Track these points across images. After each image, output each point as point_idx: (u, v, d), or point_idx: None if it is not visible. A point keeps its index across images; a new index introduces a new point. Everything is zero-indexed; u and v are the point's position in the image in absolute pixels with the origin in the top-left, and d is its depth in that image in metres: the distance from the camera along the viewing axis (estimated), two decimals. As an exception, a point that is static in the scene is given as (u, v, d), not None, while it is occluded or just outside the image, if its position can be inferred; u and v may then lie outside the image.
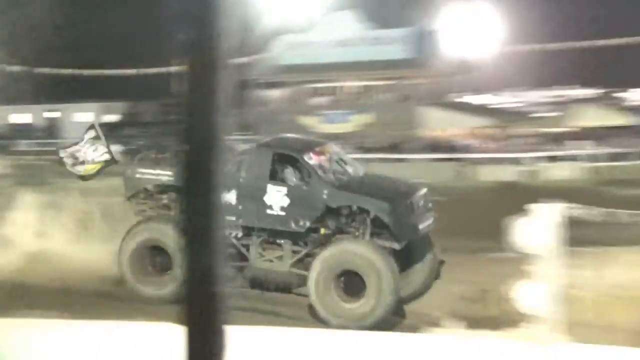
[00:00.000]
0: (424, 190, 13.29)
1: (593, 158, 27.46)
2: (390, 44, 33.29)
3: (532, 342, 8.20)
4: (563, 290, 8.29)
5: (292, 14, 33.80)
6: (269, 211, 12.56)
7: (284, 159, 12.91)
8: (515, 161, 27.61)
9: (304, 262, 12.42)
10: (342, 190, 12.57)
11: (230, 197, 12.33)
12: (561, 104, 35.99)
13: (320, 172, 12.73)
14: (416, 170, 23.78)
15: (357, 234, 12.35)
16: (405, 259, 12.53)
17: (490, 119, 33.02)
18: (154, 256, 12.87)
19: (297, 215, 12.47)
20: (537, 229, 8.47)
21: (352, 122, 33.82)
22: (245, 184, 12.58)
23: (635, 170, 25.33)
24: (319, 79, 35.97)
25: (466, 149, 29.64)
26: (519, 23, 30.60)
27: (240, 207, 12.50)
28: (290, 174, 12.83)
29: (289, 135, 15.16)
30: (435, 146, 29.58)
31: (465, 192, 22.43)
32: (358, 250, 12.00)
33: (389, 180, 14.22)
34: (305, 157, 12.82)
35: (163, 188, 13.40)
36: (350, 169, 13.54)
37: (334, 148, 14.03)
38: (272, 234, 12.75)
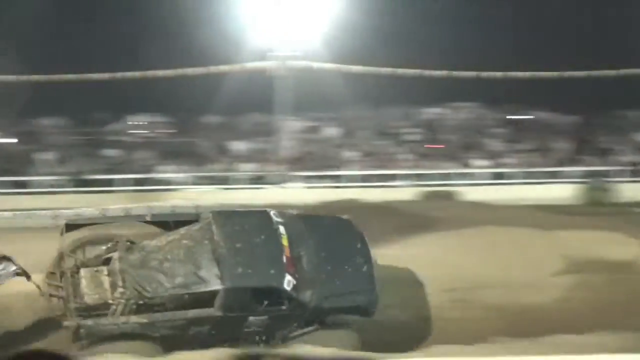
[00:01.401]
0: (364, 239, 12.89)
1: None
2: None
3: None
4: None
5: None
6: (246, 329, 11.78)
7: (263, 291, 11.73)
8: None
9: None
10: (324, 300, 12.00)
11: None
12: None
13: (300, 294, 11.86)
14: None
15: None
16: None
17: None
18: None
19: (277, 329, 11.93)
20: None
21: None
22: (221, 322, 11.59)
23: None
24: None
25: None
26: None
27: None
28: (269, 304, 11.77)
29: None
30: None
31: None
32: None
33: (340, 242, 12.94)
34: (285, 284, 11.73)
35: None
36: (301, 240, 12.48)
37: (282, 230, 12.48)
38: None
